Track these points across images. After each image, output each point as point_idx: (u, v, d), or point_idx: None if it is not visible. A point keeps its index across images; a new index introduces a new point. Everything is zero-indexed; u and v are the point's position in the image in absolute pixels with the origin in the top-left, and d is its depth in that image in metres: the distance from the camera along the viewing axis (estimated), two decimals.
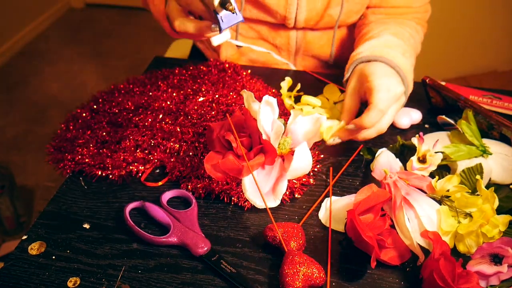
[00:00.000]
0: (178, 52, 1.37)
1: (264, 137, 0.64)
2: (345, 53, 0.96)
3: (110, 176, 0.70)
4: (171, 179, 0.70)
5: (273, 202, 0.63)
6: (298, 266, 0.54)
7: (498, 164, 0.68)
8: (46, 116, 2.32)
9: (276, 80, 0.86)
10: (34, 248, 0.61)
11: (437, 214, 0.60)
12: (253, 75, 0.89)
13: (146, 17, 3.05)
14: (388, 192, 0.61)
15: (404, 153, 0.72)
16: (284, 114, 0.78)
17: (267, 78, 0.89)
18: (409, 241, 0.58)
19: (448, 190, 0.61)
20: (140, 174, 0.71)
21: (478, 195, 0.61)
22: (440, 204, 0.61)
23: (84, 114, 0.80)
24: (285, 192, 0.66)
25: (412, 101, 0.80)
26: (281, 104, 0.80)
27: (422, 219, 0.59)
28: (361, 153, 0.74)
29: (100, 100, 0.82)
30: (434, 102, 0.83)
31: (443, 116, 0.75)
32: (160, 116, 0.76)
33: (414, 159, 0.66)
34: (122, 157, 0.71)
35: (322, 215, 0.65)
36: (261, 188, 0.63)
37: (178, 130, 0.73)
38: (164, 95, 0.80)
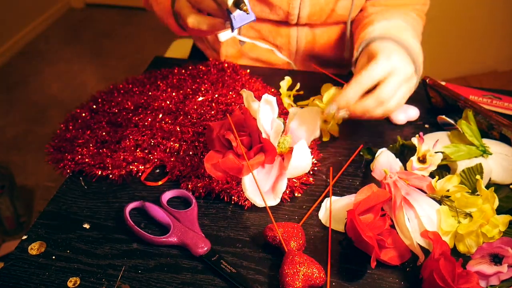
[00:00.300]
0: (178, 52, 1.37)
1: (263, 136, 0.64)
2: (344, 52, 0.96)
3: (110, 176, 0.70)
4: (171, 178, 0.70)
5: (273, 200, 0.62)
6: (298, 266, 0.54)
7: (498, 164, 0.68)
8: (46, 116, 2.33)
9: (276, 79, 0.86)
10: (34, 248, 0.61)
11: (437, 214, 0.60)
12: (252, 75, 0.89)
13: (146, 17, 3.05)
14: (388, 192, 0.61)
15: (404, 153, 0.72)
16: (284, 113, 0.78)
17: (267, 78, 0.89)
18: (409, 241, 0.58)
19: (448, 190, 0.61)
20: (140, 174, 0.71)
21: (478, 195, 0.60)
22: (440, 204, 0.61)
23: (83, 114, 0.80)
24: (285, 191, 0.66)
25: (412, 101, 0.80)
26: (280, 103, 0.80)
27: (422, 219, 0.59)
28: (361, 153, 0.74)
29: (100, 100, 0.82)
30: (434, 102, 0.83)
31: (443, 116, 0.75)
32: (160, 115, 0.76)
33: (414, 159, 0.66)
34: (122, 156, 0.71)
35: (322, 215, 0.65)
36: (261, 187, 0.63)
37: (178, 129, 0.73)
38: (164, 94, 0.80)
